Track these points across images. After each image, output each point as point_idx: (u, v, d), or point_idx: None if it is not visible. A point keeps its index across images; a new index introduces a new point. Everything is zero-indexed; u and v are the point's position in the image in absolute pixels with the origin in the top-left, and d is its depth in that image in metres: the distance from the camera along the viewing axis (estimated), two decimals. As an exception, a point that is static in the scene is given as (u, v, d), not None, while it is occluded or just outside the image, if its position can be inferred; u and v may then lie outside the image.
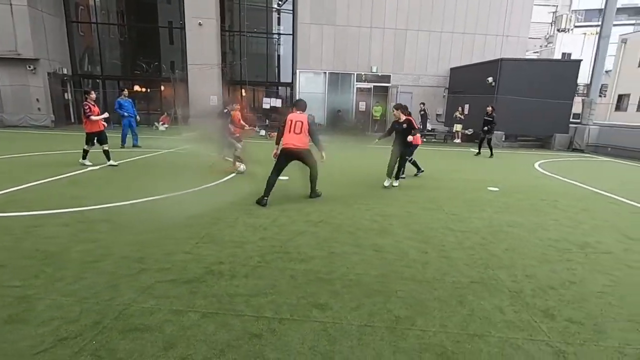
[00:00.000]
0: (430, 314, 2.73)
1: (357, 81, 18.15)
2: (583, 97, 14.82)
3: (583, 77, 30.51)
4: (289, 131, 5.34)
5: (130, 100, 10.80)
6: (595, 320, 2.72)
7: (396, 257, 3.72)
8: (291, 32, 18.46)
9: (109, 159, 7.82)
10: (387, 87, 18.39)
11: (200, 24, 16.50)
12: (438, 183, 7.41)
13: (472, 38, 18.29)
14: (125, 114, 10.39)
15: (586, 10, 44.82)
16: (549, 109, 14.23)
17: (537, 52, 38.87)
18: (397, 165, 6.81)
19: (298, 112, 5.49)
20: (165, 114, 18.37)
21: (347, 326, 2.55)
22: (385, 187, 6.74)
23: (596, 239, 4.40)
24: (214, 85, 17.15)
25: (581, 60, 14.84)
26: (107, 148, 7.82)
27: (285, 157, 5.46)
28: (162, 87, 19.40)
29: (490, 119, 12.03)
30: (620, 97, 25.90)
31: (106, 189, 5.98)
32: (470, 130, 16.05)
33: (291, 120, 5.37)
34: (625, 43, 25.72)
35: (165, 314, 2.60)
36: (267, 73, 20.02)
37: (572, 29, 37.33)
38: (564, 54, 33.09)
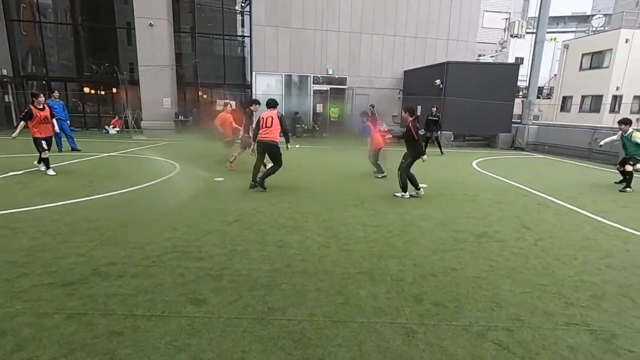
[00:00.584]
0: (304, 304, 2.83)
1: (313, 83, 18.33)
2: (522, 99, 15.68)
3: (540, 80, 32.20)
4: (262, 127, 6.13)
5: (61, 102, 10.37)
6: (459, 303, 2.91)
7: (297, 252, 3.82)
8: (249, 34, 18.39)
9: (48, 167, 7.29)
10: (343, 89, 18.68)
11: (151, 25, 16.10)
12: (371, 181, 7.62)
13: (424, 42, 18.96)
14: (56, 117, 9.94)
15: (553, 17, 47.75)
16: (493, 109, 14.97)
17: (492, 56, 40.83)
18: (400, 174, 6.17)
19: (269, 109, 6.27)
20: (117, 117, 17.76)
21: (216, 320, 2.59)
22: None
23: (495, 229, 4.70)
24: (167, 87, 16.77)
25: (520, 64, 15.71)
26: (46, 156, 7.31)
27: (261, 148, 6.28)
28: (115, 90, 18.73)
29: (436, 119, 12.61)
30: (565, 99, 27.63)
31: (19, 195, 5.72)
32: (422, 130, 16.59)
33: (263, 118, 6.18)
34: (567, 48, 27.50)
35: (28, 317, 2.54)
36: (224, 74, 19.81)
37: (523, 35, 39.50)
38: (517, 58, 34.93)
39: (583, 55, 25.93)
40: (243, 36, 19.70)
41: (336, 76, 18.58)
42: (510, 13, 48.18)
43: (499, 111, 15.16)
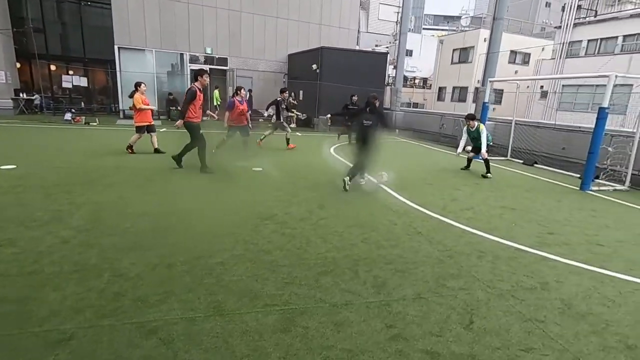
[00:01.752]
0: None
1: (190, 62, 17.01)
2: (390, 86, 16.83)
3: (426, 72, 34.98)
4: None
5: None
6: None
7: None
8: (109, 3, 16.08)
9: None
10: (224, 70, 17.75)
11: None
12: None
13: (307, 26, 18.98)
14: None
15: (435, 15, 52.31)
16: (365, 95, 15.73)
17: (387, 47, 43.59)
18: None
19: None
20: None
21: None
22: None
23: (286, 211, 4.66)
24: (-2, 58, 13.82)
25: (387, 52, 16.73)
26: None
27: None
28: None
29: (355, 107, 11.03)
30: (440, 89, 30.80)
31: None
32: (304, 115, 16.74)
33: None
34: (442, 44, 30.51)
35: None
36: (83, 47, 17.17)
37: (412, 29, 42.78)
38: (407, 50, 37.71)
39: (454, 50, 29.03)
40: (105, 2, 17.19)
41: (216, 56, 17.54)
42: (401, 7, 51.20)
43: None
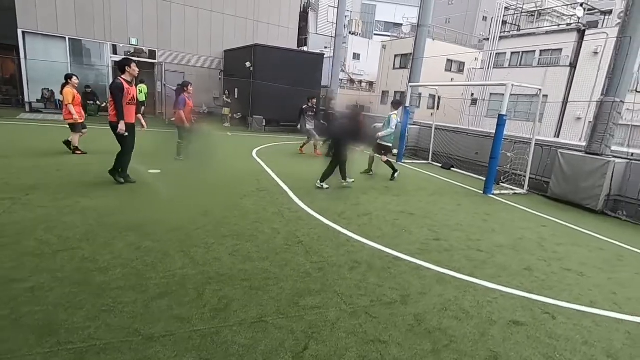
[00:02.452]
0: None
1: (113, 53, 15.61)
2: (326, 87, 16.80)
3: (373, 75, 35.60)
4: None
5: None
6: None
7: None
8: (9, -21, 14.21)
9: None
10: (152, 63, 16.55)
11: None
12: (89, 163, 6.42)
13: (245, 22, 18.35)
14: None
15: (385, 22, 53.78)
16: (301, 96, 15.48)
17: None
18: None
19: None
20: None
21: None
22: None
23: (160, 219, 4.16)
24: None
25: (324, 54, 16.67)
26: None
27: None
28: None
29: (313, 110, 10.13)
30: (384, 93, 31.62)
31: None
32: (239, 114, 16.11)
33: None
34: (385, 49, 31.36)
35: None
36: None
37: (360, 33, 43.69)
38: (354, 53, 38.38)
39: (395, 56, 29.95)
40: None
41: (144, 48, 16.29)
42: (350, 12, 52.28)
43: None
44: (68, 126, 7.23)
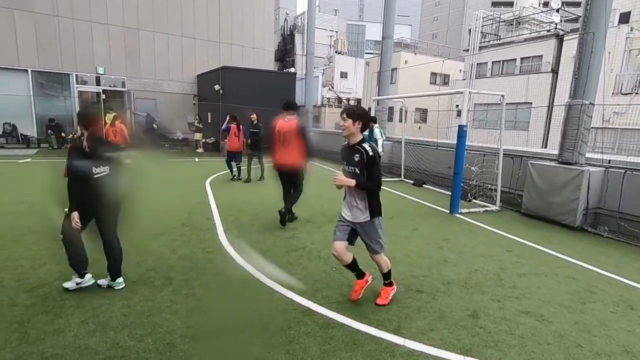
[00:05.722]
0: None
1: (79, 83, 15.21)
2: (302, 106, 16.31)
3: (361, 93, 35.61)
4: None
5: None
6: None
7: None
8: (-32, 15, 13.97)
9: None
10: (121, 91, 16.13)
11: None
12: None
13: (217, 46, 18.09)
14: None
15: (375, 40, 54.53)
16: (274, 116, 14.96)
17: (322, 69, 44.30)
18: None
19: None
20: None
21: None
22: None
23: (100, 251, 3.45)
24: None
25: (295, 73, 16.28)
26: None
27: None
28: None
29: (257, 130, 8.98)
30: (369, 109, 31.31)
31: None
32: (212, 138, 15.55)
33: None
34: (368, 65, 31.29)
35: None
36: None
37: (346, 52, 44.03)
38: (342, 72, 38.47)
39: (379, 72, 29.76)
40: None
41: (112, 77, 15.92)
42: (336, 32, 52.92)
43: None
44: None
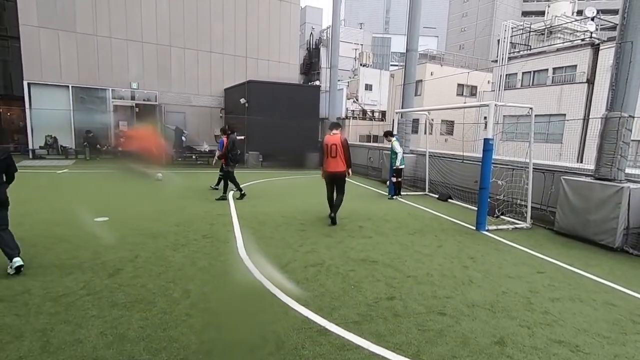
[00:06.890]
0: None
1: (115, 98, 16.04)
2: (325, 119, 16.39)
3: (385, 105, 35.62)
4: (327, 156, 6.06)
5: None
6: None
7: None
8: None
9: None
10: (154, 105, 16.84)
11: None
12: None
13: (244, 61, 18.62)
14: None
15: (400, 52, 54.65)
16: (299, 129, 15.12)
17: (347, 82, 44.63)
18: None
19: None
20: None
21: None
22: None
23: (122, 263, 3.57)
24: None
25: (319, 86, 16.42)
26: None
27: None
28: None
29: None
30: (394, 121, 31.07)
31: None
32: (237, 151, 15.86)
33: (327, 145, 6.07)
34: (393, 78, 31.19)
35: None
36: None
37: (371, 65, 44.22)
38: (366, 84, 38.62)
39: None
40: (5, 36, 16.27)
41: (145, 91, 16.68)
42: (362, 45, 53.38)
43: (306, 131, 15.43)
44: None
